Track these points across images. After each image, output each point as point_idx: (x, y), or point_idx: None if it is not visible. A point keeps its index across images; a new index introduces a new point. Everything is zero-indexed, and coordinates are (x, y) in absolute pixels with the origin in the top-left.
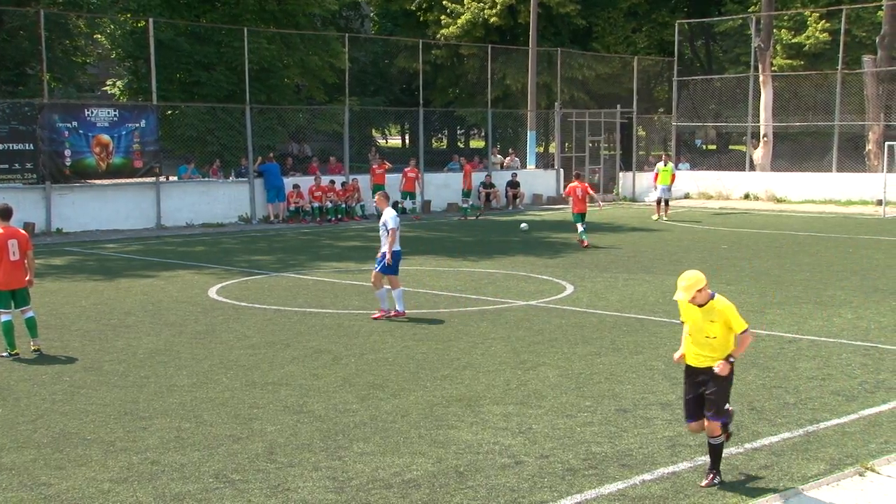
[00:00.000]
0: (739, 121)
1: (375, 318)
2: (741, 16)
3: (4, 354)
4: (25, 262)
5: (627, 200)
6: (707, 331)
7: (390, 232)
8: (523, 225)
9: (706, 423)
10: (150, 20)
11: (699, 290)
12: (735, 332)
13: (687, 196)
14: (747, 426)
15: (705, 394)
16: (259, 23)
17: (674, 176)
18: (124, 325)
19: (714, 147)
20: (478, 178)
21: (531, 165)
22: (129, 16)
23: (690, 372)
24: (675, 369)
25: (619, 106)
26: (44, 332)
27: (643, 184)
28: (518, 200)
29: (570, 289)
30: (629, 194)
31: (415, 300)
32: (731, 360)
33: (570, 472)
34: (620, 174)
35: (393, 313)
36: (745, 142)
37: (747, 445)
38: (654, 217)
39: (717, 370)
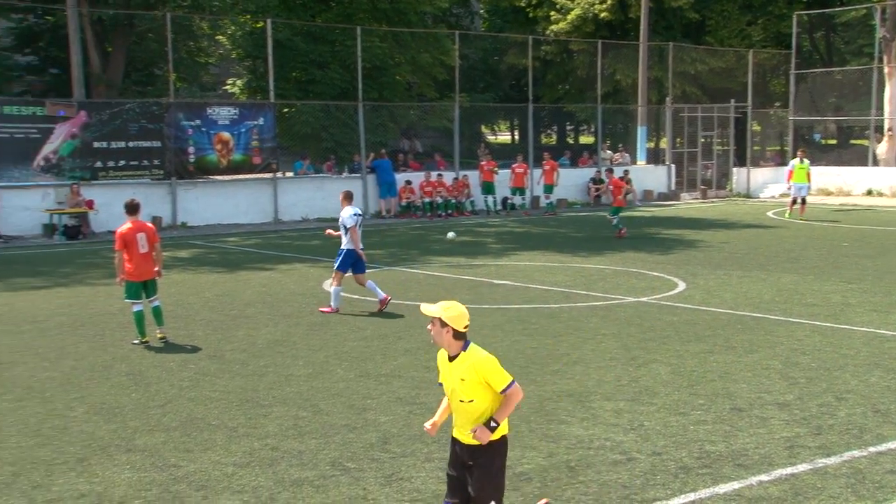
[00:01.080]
0: (861, 114)
1: (380, 309)
2: (865, 5)
3: (135, 342)
4: (154, 254)
5: (741, 196)
6: (460, 392)
7: (350, 230)
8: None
9: None
10: (269, 21)
11: (442, 324)
12: (496, 390)
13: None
14: (871, 429)
15: (468, 483)
16: (372, 21)
17: (810, 173)
18: (244, 315)
19: (834, 142)
20: (584, 174)
21: (641, 161)
22: (248, 17)
23: (454, 444)
24: (793, 369)
25: (732, 100)
26: (170, 322)
27: (757, 180)
28: (630, 196)
29: (682, 286)
30: (743, 190)
31: (525, 295)
32: (493, 425)
33: (683, 471)
34: (734, 170)
35: (380, 305)
36: (868, 136)
37: (871, 449)
38: (787, 214)
39: (474, 436)
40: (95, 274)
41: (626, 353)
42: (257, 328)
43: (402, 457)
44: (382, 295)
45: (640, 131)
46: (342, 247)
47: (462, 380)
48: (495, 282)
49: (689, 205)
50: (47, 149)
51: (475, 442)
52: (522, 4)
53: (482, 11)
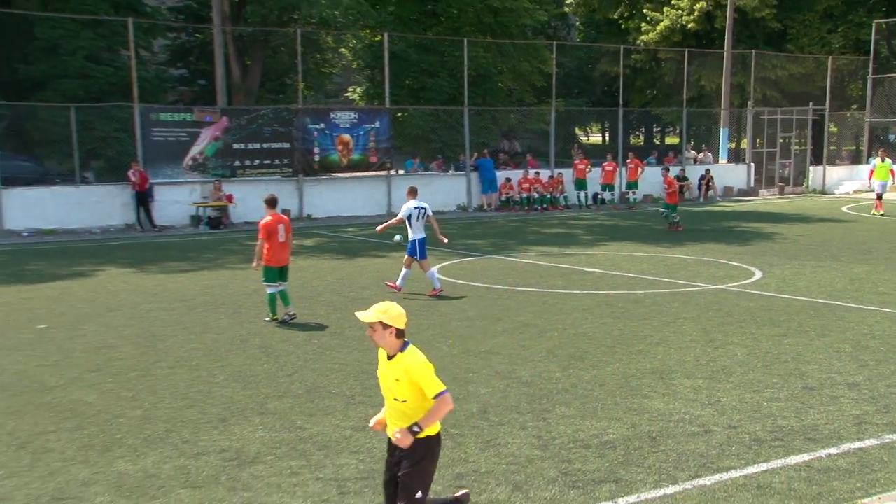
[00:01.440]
0: None
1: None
2: None
3: (267, 319)
4: (288, 243)
5: (817, 193)
6: (395, 391)
7: (422, 219)
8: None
9: None
10: (386, 35)
11: (384, 326)
12: (428, 396)
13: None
14: None
15: (397, 476)
16: (477, 34)
17: (892, 171)
18: (361, 297)
19: None
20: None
21: (723, 160)
22: (368, 31)
23: (389, 446)
24: (863, 352)
25: (811, 103)
26: (297, 302)
27: (833, 177)
28: (711, 192)
29: (758, 274)
30: (818, 187)
31: (612, 282)
32: (416, 430)
33: (756, 443)
34: (810, 168)
35: (431, 292)
36: None
37: None
38: (874, 212)
39: (395, 439)
40: (234, 259)
41: (705, 336)
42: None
43: (500, 425)
44: (437, 286)
45: (723, 133)
46: (410, 237)
47: (397, 380)
48: (586, 269)
49: (767, 200)
50: (194, 150)
51: (402, 445)
52: (615, 17)
53: (578, 23)
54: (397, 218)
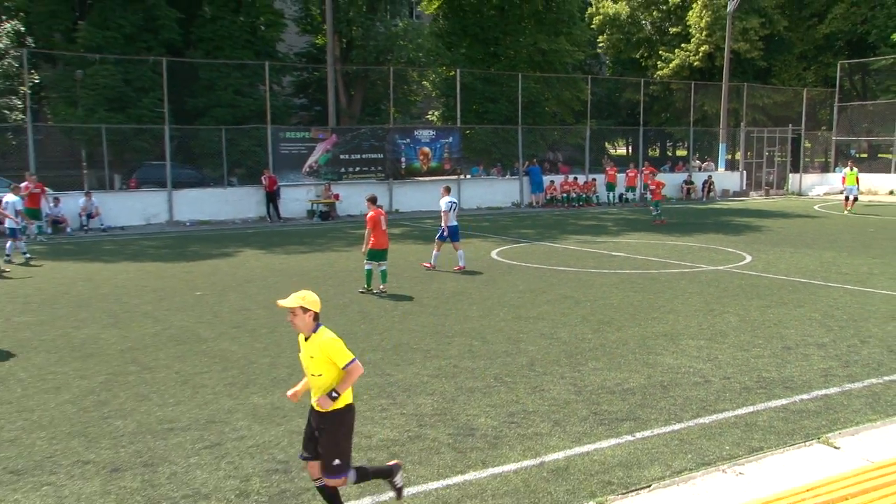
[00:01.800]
0: (888, 135)
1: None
2: (893, 56)
3: (361, 290)
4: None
5: (795, 194)
6: (311, 367)
7: (443, 214)
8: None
9: (317, 470)
10: (458, 70)
11: (304, 310)
12: (339, 366)
13: (843, 192)
14: (886, 364)
15: (317, 448)
16: (529, 70)
17: (858, 178)
18: (436, 274)
19: (865, 155)
20: (678, 177)
21: (721, 168)
22: (444, 68)
23: (311, 409)
24: (830, 320)
25: (790, 125)
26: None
27: (807, 182)
28: (712, 193)
29: (748, 258)
30: (796, 190)
31: (633, 263)
32: (334, 395)
33: (745, 390)
34: (790, 175)
35: (456, 268)
36: (892, 151)
37: (885, 378)
38: (845, 211)
39: (318, 405)
40: (339, 244)
41: (706, 306)
42: (445, 283)
43: (544, 375)
44: (462, 263)
45: (721, 147)
46: (441, 225)
47: (312, 357)
48: (613, 254)
49: (756, 200)
50: (311, 160)
51: (324, 409)
52: (637, 56)
53: (608, 61)
54: (444, 212)
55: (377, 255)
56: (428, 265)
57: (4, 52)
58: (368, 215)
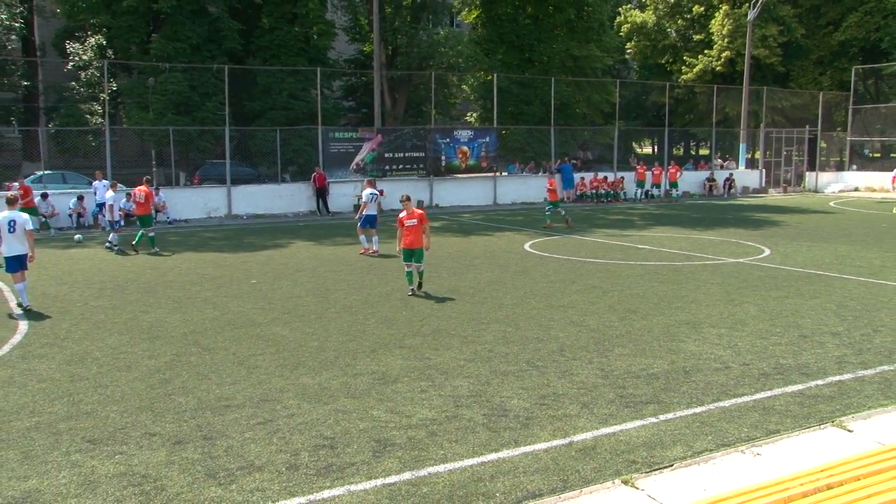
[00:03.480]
0: None
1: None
2: None
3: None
4: (423, 230)
5: (811, 191)
6: None
7: (363, 203)
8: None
9: None
10: (495, 75)
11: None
12: None
13: (857, 189)
14: None
15: None
16: (561, 74)
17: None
18: (472, 265)
19: (878, 155)
20: (701, 175)
21: (742, 167)
22: (482, 73)
23: None
24: (844, 310)
25: (807, 126)
26: (426, 268)
27: (823, 180)
28: (733, 190)
29: (767, 251)
30: (812, 187)
31: (658, 255)
32: None
33: (763, 376)
34: (806, 173)
35: (371, 251)
36: None
37: None
38: (894, 210)
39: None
40: (382, 236)
41: (727, 297)
42: (481, 273)
43: (573, 360)
44: (375, 248)
45: (742, 147)
46: (364, 213)
47: None
48: (639, 246)
49: (774, 197)
50: (358, 158)
51: None
52: (663, 62)
53: (635, 66)
54: (363, 203)
55: (405, 254)
56: (363, 250)
57: (89, 63)
58: (418, 211)
